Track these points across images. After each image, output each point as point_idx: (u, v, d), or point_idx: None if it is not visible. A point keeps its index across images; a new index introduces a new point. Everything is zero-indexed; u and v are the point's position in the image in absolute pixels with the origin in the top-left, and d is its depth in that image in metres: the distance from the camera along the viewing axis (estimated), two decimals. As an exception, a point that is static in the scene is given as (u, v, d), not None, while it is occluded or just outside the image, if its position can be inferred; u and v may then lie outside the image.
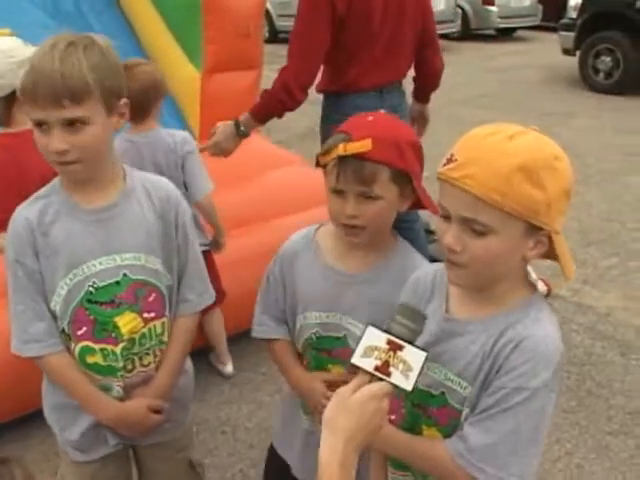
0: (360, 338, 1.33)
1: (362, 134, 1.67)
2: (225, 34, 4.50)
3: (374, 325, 1.33)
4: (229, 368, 3.89)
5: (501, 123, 1.43)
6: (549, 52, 13.40)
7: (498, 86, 11.52)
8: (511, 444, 1.41)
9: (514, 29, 17.36)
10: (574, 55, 11.31)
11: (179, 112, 4.88)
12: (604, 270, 5.03)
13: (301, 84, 3.27)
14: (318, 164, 1.79)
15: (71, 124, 1.69)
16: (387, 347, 1.30)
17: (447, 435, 1.52)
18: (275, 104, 3.34)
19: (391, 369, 1.28)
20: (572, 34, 11.04)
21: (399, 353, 1.29)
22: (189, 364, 2.19)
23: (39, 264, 1.83)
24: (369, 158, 1.66)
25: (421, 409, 1.58)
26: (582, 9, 10.82)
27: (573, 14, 11.10)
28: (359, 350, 1.31)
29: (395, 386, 1.28)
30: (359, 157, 1.66)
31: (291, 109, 3.35)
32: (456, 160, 1.38)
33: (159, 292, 1.93)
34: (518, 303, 1.47)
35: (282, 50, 13.67)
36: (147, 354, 1.96)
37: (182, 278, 2.02)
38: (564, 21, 11.44)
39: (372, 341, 1.31)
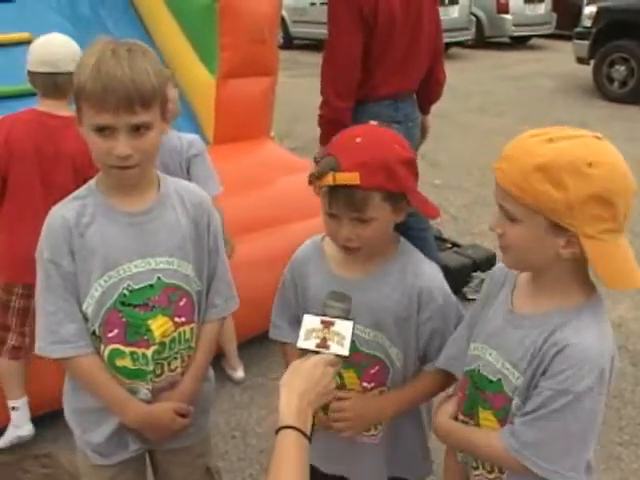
0: (300, 326, 1.59)
1: (350, 163, 1.66)
2: (240, 40, 4.53)
3: (309, 312, 1.62)
4: (240, 373, 3.90)
5: (562, 127, 1.53)
6: (563, 61, 13.37)
7: (512, 94, 11.50)
8: (562, 443, 1.50)
9: (528, 37, 17.33)
10: (588, 64, 11.28)
11: (194, 117, 4.90)
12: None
13: (339, 91, 3.38)
14: (311, 183, 1.78)
15: (137, 129, 1.73)
16: (322, 326, 1.57)
17: (500, 418, 1.62)
18: (323, 122, 3.54)
19: (329, 343, 1.55)
20: (586, 43, 11.02)
21: (332, 328, 1.57)
22: (210, 371, 2.19)
23: (74, 265, 1.84)
24: (358, 187, 1.66)
25: (480, 392, 1.67)
26: (597, 18, 10.81)
27: (588, 23, 11.08)
28: (301, 335, 1.58)
29: (335, 354, 1.54)
30: (349, 185, 1.67)
31: (337, 119, 3.42)
32: (502, 154, 1.52)
33: (190, 297, 1.95)
34: (571, 304, 1.54)
35: (297, 56, 13.72)
36: (175, 358, 1.97)
37: (211, 283, 2.04)
38: (578, 30, 11.42)
39: (310, 325, 1.58)
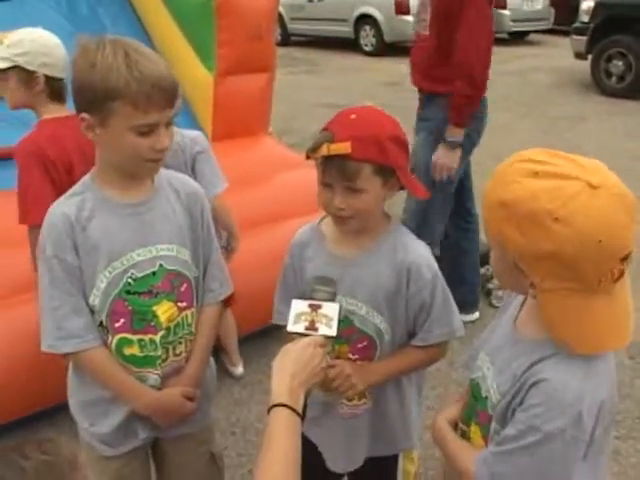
0: (289, 311, 1.66)
1: (343, 135, 1.77)
2: (238, 37, 4.53)
3: (297, 297, 1.70)
4: (240, 369, 3.91)
5: (565, 156, 1.37)
6: (561, 56, 13.39)
7: (510, 89, 11.49)
8: (532, 478, 1.44)
9: (526, 33, 17.33)
10: (586, 59, 11.29)
11: (192, 114, 4.90)
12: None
13: (485, 73, 3.59)
14: (308, 157, 1.87)
15: (169, 122, 1.82)
16: (310, 310, 1.64)
17: (484, 435, 1.60)
18: (467, 103, 3.62)
19: (317, 325, 1.62)
20: (584, 38, 11.02)
21: (320, 311, 1.64)
22: (211, 359, 2.24)
23: (79, 259, 1.87)
24: (351, 157, 1.76)
25: (474, 404, 1.67)
26: (594, 13, 10.81)
27: (585, 18, 11.08)
28: (290, 320, 1.64)
29: (323, 336, 1.61)
30: (342, 155, 1.76)
31: (478, 102, 3.66)
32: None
33: (189, 282, 2.02)
34: None
35: (294, 53, 13.68)
36: (180, 343, 2.03)
37: (206, 269, 2.10)
38: (576, 25, 11.42)
39: (298, 309, 1.65)
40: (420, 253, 1.97)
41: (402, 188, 1.92)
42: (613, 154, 7.13)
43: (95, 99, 1.74)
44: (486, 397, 1.58)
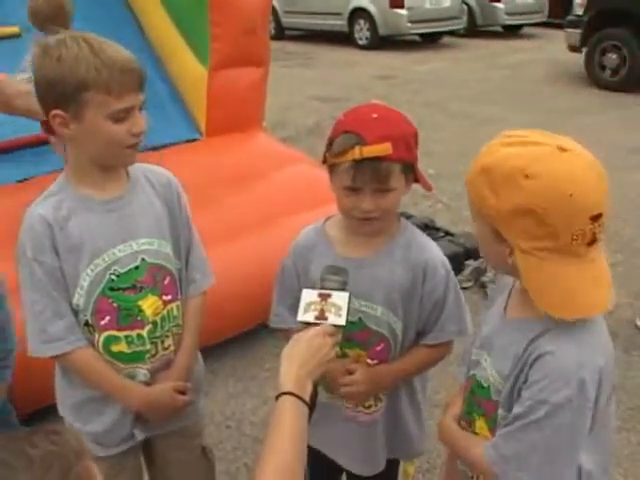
0: (299, 301, 1.66)
1: (375, 136, 1.72)
2: (232, 31, 4.53)
3: (307, 287, 1.70)
4: None
5: (540, 132, 1.45)
6: (555, 49, 13.37)
7: (504, 83, 11.51)
8: (542, 456, 1.45)
9: (520, 26, 17.31)
10: (580, 52, 11.27)
11: (186, 109, 4.90)
12: (608, 267, 5.05)
13: None
14: (325, 162, 1.85)
15: (141, 107, 1.82)
16: (319, 299, 1.64)
17: (491, 427, 1.60)
18: None
19: (326, 314, 1.61)
20: (578, 31, 10.99)
21: (329, 300, 1.64)
22: (197, 352, 2.23)
23: (59, 260, 1.85)
24: (385, 159, 1.73)
25: (475, 398, 1.67)
26: (588, 6, 10.78)
27: (579, 11, 11.06)
28: (300, 309, 1.64)
29: (332, 325, 1.60)
30: (374, 158, 1.72)
31: None
32: None
33: (172, 275, 2.01)
34: None
35: (288, 46, 13.72)
36: (167, 336, 2.02)
37: (188, 260, 2.09)
38: (570, 18, 11.40)
39: (308, 299, 1.65)
40: (434, 251, 1.97)
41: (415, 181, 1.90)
42: (607, 147, 7.02)
43: (65, 93, 1.71)
44: (488, 386, 1.60)
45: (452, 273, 1.97)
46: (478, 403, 1.65)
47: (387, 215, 1.87)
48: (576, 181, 1.34)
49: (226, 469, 3.13)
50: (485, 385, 1.61)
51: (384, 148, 1.71)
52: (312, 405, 1.48)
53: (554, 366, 1.42)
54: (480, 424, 1.65)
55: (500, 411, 1.55)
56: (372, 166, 1.73)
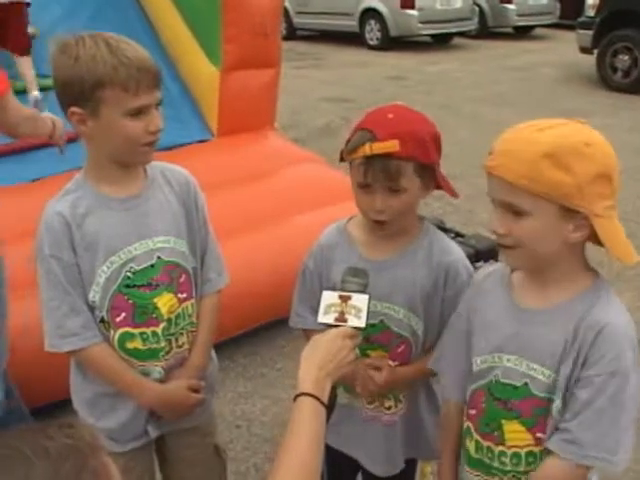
0: (319, 302, 1.66)
1: (386, 133, 1.73)
2: (244, 32, 4.54)
3: (327, 289, 1.70)
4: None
5: (543, 119, 1.54)
6: (567, 50, 13.34)
7: (515, 84, 11.48)
8: (619, 427, 1.47)
9: (532, 27, 17.29)
10: (592, 53, 11.24)
11: (197, 109, 4.92)
12: (620, 270, 5.02)
13: None
14: (342, 159, 1.86)
15: (158, 105, 1.83)
16: (340, 301, 1.64)
17: (530, 427, 1.58)
18: None
19: (346, 316, 1.62)
20: (590, 32, 10.96)
21: (349, 302, 1.63)
22: (212, 351, 2.24)
23: (76, 257, 1.87)
24: (396, 156, 1.73)
25: (502, 403, 1.63)
26: (600, 7, 10.75)
27: (591, 12, 11.02)
28: (320, 311, 1.65)
29: (352, 327, 1.60)
30: (385, 155, 1.73)
31: None
32: (493, 152, 1.53)
33: (187, 274, 2.02)
34: (584, 289, 1.54)
35: (300, 47, 13.66)
36: (181, 334, 2.03)
37: (203, 259, 2.10)
38: (582, 19, 11.36)
39: (328, 301, 1.65)
40: (456, 254, 1.96)
41: (437, 188, 1.89)
42: (619, 149, 6.87)
43: (83, 91, 1.74)
44: (526, 383, 1.57)
45: (474, 275, 1.95)
46: (509, 407, 1.61)
47: (399, 218, 1.85)
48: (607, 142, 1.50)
49: (236, 469, 3.13)
50: (519, 384, 1.58)
51: (391, 145, 1.71)
52: (330, 407, 1.49)
53: (618, 333, 1.47)
54: (512, 427, 1.61)
55: (557, 403, 1.53)
56: (382, 163, 1.74)
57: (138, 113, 1.78)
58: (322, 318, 1.64)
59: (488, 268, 1.77)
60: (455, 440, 1.81)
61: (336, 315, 1.62)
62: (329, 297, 1.66)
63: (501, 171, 1.49)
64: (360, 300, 1.64)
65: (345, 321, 1.61)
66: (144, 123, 1.79)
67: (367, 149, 1.73)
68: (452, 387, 1.81)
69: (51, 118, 2.73)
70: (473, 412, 1.70)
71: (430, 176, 1.83)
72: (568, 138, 1.45)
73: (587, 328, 1.48)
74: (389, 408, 2.04)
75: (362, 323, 1.61)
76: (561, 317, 1.53)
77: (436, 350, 1.89)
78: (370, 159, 1.75)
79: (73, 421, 1.02)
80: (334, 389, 1.53)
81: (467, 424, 1.73)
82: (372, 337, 1.95)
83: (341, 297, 1.65)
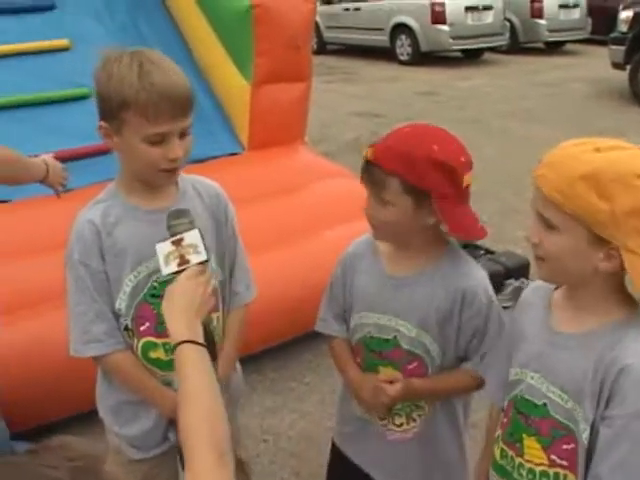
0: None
1: (382, 144, 1.80)
2: (275, 46, 4.56)
3: (158, 241, 1.66)
4: None
5: (606, 138, 1.49)
6: (599, 66, 13.25)
7: (546, 100, 11.41)
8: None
9: (563, 42, 17.20)
10: (624, 69, 11.16)
11: (228, 123, 4.95)
12: None
13: None
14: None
15: (184, 133, 1.82)
16: (174, 247, 1.63)
17: (545, 446, 1.57)
18: None
19: (187, 257, 1.61)
20: (622, 48, 10.88)
21: (183, 243, 1.63)
22: (237, 364, 2.25)
23: (105, 265, 1.90)
24: (378, 166, 1.77)
25: (523, 417, 1.63)
26: (633, 22, 10.67)
27: (624, 27, 10.94)
28: (161, 264, 1.63)
29: (197, 263, 1.59)
30: (373, 163, 1.79)
31: None
32: (541, 161, 1.51)
33: (214, 287, 2.00)
34: (615, 320, 1.49)
35: (330, 61, 13.71)
36: None
37: (232, 272, 2.11)
38: (614, 35, 11.28)
39: (164, 251, 1.63)
40: (477, 279, 1.92)
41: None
42: None
43: (111, 109, 1.77)
44: (545, 404, 1.56)
45: (496, 303, 1.92)
46: (529, 423, 1.61)
47: (387, 229, 1.87)
48: None
49: (262, 483, 3.13)
50: (539, 403, 1.57)
51: (370, 152, 1.79)
52: (209, 343, 1.52)
53: (637, 375, 1.40)
54: (530, 443, 1.61)
55: (585, 434, 1.48)
56: (369, 169, 1.81)
57: (158, 140, 1.78)
58: (165, 270, 1.62)
59: (538, 282, 1.72)
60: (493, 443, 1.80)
61: (177, 261, 1.61)
62: (163, 248, 1.65)
63: (540, 181, 1.48)
64: (192, 237, 1.64)
65: (188, 262, 1.60)
66: (163, 150, 1.79)
67: (366, 151, 1.81)
68: (495, 392, 1.80)
69: (44, 160, 2.56)
70: (504, 420, 1.71)
71: (426, 201, 1.76)
72: (619, 165, 1.40)
73: (609, 364, 1.44)
74: (400, 425, 2.02)
75: (203, 255, 1.61)
76: (585, 346, 1.50)
77: (486, 355, 1.89)
78: (367, 164, 1.81)
79: (61, 440, 0.97)
80: (206, 326, 1.56)
81: (498, 431, 1.74)
82: (384, 352, 1.95)
83: (174, 242, 1.64)
